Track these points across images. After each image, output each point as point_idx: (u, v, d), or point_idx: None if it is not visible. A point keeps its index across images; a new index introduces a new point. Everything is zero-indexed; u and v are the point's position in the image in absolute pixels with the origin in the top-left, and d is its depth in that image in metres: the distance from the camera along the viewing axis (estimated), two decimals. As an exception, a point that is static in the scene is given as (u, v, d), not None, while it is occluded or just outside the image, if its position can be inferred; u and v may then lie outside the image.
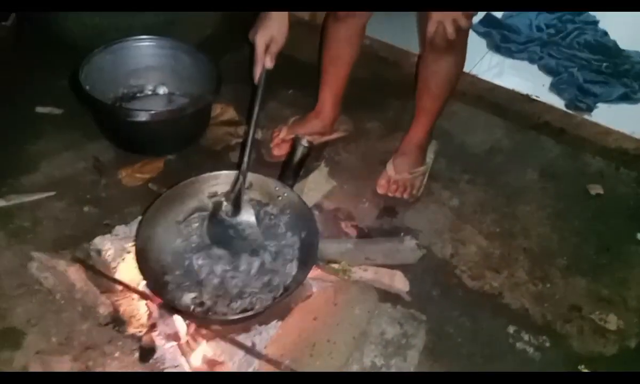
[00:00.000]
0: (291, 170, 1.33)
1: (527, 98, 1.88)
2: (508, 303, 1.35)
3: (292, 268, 1.24)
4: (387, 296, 1.31)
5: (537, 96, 1.87)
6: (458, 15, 1.25)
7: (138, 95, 1.82)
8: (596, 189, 1.62)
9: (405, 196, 1.57)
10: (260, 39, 1.25)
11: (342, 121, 1.76)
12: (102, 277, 1.24)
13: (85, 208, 1.48)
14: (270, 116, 1.80)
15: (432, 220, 1.53)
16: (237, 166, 1.32)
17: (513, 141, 1.78)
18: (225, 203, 1.30)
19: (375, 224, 1.52)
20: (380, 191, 1.58)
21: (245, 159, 1.27)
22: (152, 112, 1.54)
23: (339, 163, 1.68)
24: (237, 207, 1.29)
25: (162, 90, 1.84)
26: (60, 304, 1.20)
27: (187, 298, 1.19)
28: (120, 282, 1.23)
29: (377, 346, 1.18)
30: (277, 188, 1.34)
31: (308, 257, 1.22)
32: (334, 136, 1.74)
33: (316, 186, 1.56)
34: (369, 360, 1.15)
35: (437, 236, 1.49)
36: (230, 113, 1.83)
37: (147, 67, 1.80)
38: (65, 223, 1.42)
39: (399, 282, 1.36)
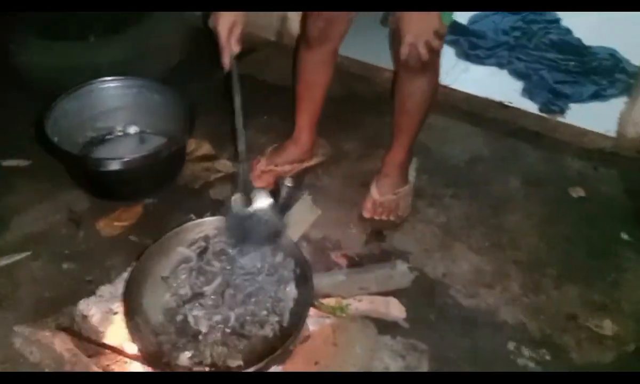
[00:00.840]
0: (277, 210, 1.30)
1: (500, 105, 1.89)
2: (505, 319, 1.35)
3: (287, 315, 1.21)
4: (386, 327, 1.29)
5: (510, 102, 1.88)
6: (430, 36, 1.24)
7: (107, 137, 1.76)
8: (578, 192, 1.64)
9: (392, 217, 1.56)
10: (223, 25, 1.23)
11: (320, 144, 1.74)
12: (90, 344, 1.18)
13: (64, 265, 1.42)
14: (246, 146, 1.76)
15: (420, 240, 1.52)
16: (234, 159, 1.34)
17: (491, 149, 1.79)
18: (235, 197, 1.29)
19: (365, 251, 1.50)
20: (366, 215, 1.57)
21: (242, 147, 1.28)
22: (126, 159, 1.49)
23: (322, 189, 1.65)
24: (248, 197, 1.28)
25: (132, 129, 1.79)
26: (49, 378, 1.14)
27: (184, 357, 1.14)
28: (110, 348, 1.18)
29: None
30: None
31: (301, 305, 1.19)
32: (314, 161, 1.72)
33: (301, 217, 1.53)
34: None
35: (427, 257, 1.48)
36: (206, 148, 1.79)
37: (115, 108, 1.75)
38: (44, 284, 1.36)
39: (395, 310, 1.35)
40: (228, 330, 1.18)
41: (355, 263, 1.46)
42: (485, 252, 1.49)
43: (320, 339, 1.20)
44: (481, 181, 1.68)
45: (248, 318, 1.20)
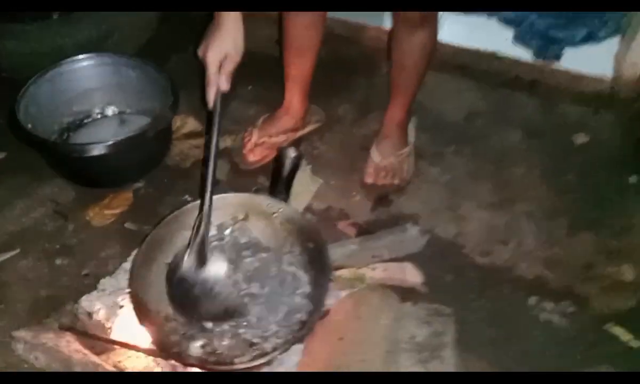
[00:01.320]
0: (282, 183, 1.23)
1: (493, 55, 1.84)
2: (522, 274, 1.32)
3: (305, 289, 1.15)
4: (406, 294, 1.24)
5: (502, 52, 1.82)
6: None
7: (85, 121, 1.65)
8: (580, 138, 1.61)
9: (396, 180, 1.50)
10: (212, 57, 1.08)
11: (312, 111, 1.66)
12: (98, 341, 1.10)
13: (57, 261, 1.32)
14: (234, 118, 1.67)
15: (427, 201, 1.48)
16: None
17: (487, 102, 1.74)
18: (187, 255, 1.12)
19: (372, 217, 1.44)
20: (368, 180, 1.51)
21: (207, 198, 1.09)
22: (111, 142, 1.38)
23: (319, 158, 1.58)
24: (201, 258, 1.13)
25: (110, 110, 1.68)
26: None
27: (195, 347, 1.08)
28: (120, 343, 1.10)
29: (411, 353, 1.11)
30: (269, 205, 1.23)
31: (321, 273, 1.13)
32: (307, 129, 1.64)
33: (303, 189, 1.46)
34: (407, 371, 1.09)
35: (437, 217, 1.44)
36: (191, 124, 1.69)
37: (90, 90, 1.63)
38: (38, 283, 1.27)
39: (411, 275, 1.30)
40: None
41: (365, 231, 1.40)
42: (494, 208, 1.45)
43: (341, 313, 1.15)
44: (481, 136, 1.64)
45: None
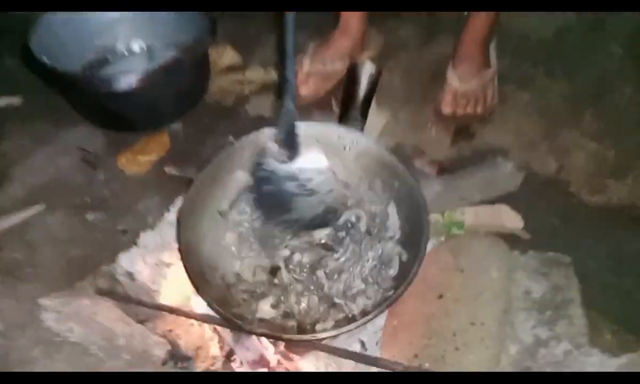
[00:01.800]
0: (357, 108, 1.00)
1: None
2: (645, 212, 1.08)
3: (396, 235, 0.93)
4: (509, 241, 1.02)
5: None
6: None
7: (109, 57, 1.43)
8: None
9: (479, 109, 1.27)
10: None
11: (370, 35, 1.41)
12: (144, 308, 0.91)
13: (88, 216, 1.13)
14: (280, 50, 1.43)
15: (519, 132, 1.23)
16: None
17: (580, 14, 1.46)
18: (271, 148, 0.93)
19: (453, 154, 1.21)
20: (446, 110, 1.27)
21: (290, 68, 0.87)
22: (142, 74, 1.16)
23: (383, 88, 1.32)
24: (292, 149, 0.92)
25: (137, 45, 1.45)
26: (100, 358, 0.87)
27: (265, 306, 0.87)
28: (170, 309, 0.91)
29: (529, 312, 0.90)
30: (340, 137, 1.00)
31: (414, 215, 0.90)
32: (366, 55, 1.40)
33: (368, 125, 1.23)
34: (530, 335, 0.88)
35: (532, 150, 1.20)
36: (230, 55, 1.46)
37: (114, 21, 1.40)
38: (69, 242, 1.08)
39: (510, 219, 1.08)
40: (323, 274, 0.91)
41: (447, 170, 1.18)
42: (602, 136, 1.21)
43: (438, 266, 0.93)
44: (576, 55, 1.37)
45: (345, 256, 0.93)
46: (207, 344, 0.90)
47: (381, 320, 0.91)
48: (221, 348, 0.89)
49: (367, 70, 1.00)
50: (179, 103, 1.32)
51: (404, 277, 0.83)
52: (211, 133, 1.29)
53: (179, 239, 0.89)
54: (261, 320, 0.84)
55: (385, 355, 0.87)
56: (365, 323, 0.81)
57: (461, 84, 1.25)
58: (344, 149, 1.00)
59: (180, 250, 0.87)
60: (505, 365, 0.83)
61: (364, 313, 0.82)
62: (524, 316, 0.89)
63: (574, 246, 1.02)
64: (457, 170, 1.17)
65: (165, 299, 0.94)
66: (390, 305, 0.81)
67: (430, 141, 1.24)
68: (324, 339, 0.82)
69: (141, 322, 0.90)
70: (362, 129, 1.01)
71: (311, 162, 0.96)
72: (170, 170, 1.18)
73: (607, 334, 0.88)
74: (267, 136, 0.96)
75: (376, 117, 1.27)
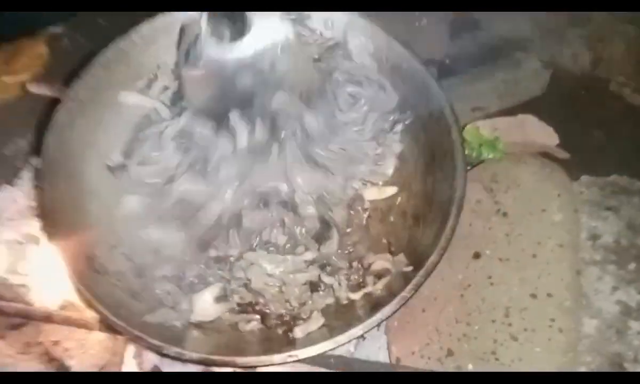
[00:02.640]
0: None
1: None
2: None
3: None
4: (550, 161, 0.72)
5: None
6: None
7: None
8: None
9: (483, -13, 0.93)
10: None
11: None
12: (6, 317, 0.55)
13: None
14: None
15: (540, 19, 0.92)
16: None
17: None
18: (207, 21, 0.57)
19: (454, 49, 0.89)
20: (440, -9, 0.93)
21: None
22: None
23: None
24: (238, 22, 0.58)
25: None
26: None
27: (206, 300, 0.54)
28: (47, 316, 0.56)
29: (604, 267, 0.60)
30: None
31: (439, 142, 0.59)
32: None
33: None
34: (611, 303, 0.58)
35: (558, 41, 0.89)
36: None
37: None
38: None
39: (540, 134, 0.78)
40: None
41: (448, 71, 0.85)
42: (644, 19, 0.91)
43: (469, 206, 0.62)
44: None
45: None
46: (117, 362, 0.55)
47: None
48: (140, 366, 0.55)
49: None
50: (59, -4, 0.91)
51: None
52: (109, 39, 0.89)
53: (39, 199, 0.53)
54: (198, 327, 0.51)
55: (397, 351, 0.56)
56: (374, 326, 0.50)
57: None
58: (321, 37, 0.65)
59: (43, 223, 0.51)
60: (584, 356, 0.54)
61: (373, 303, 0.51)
62: (596, 273, 0.60)
63: (635, 165, 0.74)
64: (462, 72, 0.85)
65: (38, 296, 0.58)
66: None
67: (422, 33, 0.91)
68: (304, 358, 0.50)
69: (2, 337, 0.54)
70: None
71: (271, 36, 0.59)
72: (33, 88, 0.79)
73: None
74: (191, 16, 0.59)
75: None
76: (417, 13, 0.94)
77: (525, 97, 0.83)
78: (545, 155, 0.76)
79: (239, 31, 0.56)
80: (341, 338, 0.49)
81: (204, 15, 0.56)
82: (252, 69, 0.57)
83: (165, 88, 0.66)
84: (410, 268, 0.54)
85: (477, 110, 0.81)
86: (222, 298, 0.54)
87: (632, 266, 0.61)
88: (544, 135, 0.80)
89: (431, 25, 0.93)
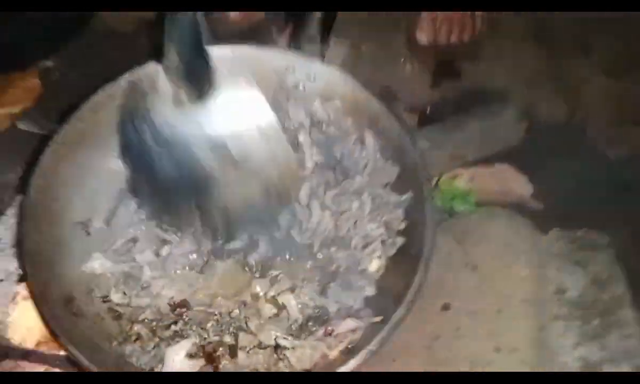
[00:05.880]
0: (314, 26, 0.68)
1: None
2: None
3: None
4: (521, 214, 0.75)
5: None
6: None
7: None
8: None
9: (465, 36, 0.97)
10: None
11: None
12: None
13: None
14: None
15: (518, 65, 0.95)
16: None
17: None
18: (163, 86, 0.56)
19: (435, 97, 0.92)
20: (424, 38, 0.97)
21: None
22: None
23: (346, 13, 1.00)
24: (200, 82, 0.56)
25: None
26: None
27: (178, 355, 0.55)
28: (25, 353, 0.57)
29: (568, 321, 0.63)
30: (290, 67, 0.67)
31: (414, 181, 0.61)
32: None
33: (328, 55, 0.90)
34: (575, 357, 0.60)
35: (535, 89, 0.92)
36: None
37: None
38: None
39: (515, 184, 0.81)
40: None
41: (429, 119, 0.88)
42: (618, 71, 0.94)
43: (439, 259, 0.63)
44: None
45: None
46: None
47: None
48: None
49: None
50: (54, 31, 0.93)
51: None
52: (99, 73, 0.91)
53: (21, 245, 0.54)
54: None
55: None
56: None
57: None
58: (298, 87, 0.67)
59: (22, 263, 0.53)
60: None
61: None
62: (562, 327, 0.62)
63: (605, 219, 0.77)
64: (443, 120, 0.88)
65: (16, 333, 0.59)
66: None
67: (405, 80, 0.94)
68: None
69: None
70: (323, 56, 0.68)
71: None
72: (23, 125, 0.81)
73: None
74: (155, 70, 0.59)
75: (334, 47, 0.94)
76: (402, 57, 0.98)
77: (502, 147, 0.86)
78: (519, 206, 0.79)
79: (202, 92, 0.55)
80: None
81: (161, 71, 0.54)
82: (217, 146, 0.56)
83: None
84: (379, 318, 0.56)
85: (456, 159, 0.83)
86: (194, 355, 0.55)
87: (596, 321, 0.63)
88: (519, 185, 0.82)
89: (415, 73, 0.96)
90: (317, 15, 0.70)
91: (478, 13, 0.97)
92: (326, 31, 0.71)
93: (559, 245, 0.70)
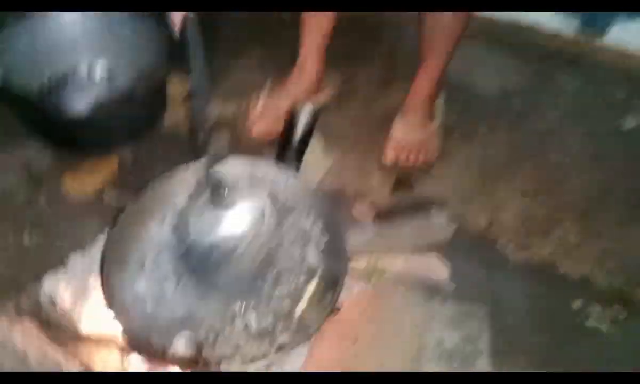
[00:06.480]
0: (294, 149, 1.04)
1: (531, 28, 1.63)
2: (565, 272, 1.13)
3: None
4: (430, 291, 1.06)
5: (542, 24, 1.62)
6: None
7: (70, 76, 1.45)
8: (630, 122, 1.41)
9: (420, 160, 1.31)
10: None
11: (327, 78, 1.46)
12: (62, 333, 0.92)
13: (26, 235, 1.14)
14: (234, 88, 1.47)
15: (457, 185, 1.28)
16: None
17: (525, 77, 1.54)
18: (189, 203, 0.93)
19: (391, 202, 1.26)
20: (388, 159, 1.31)
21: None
22: (97, 102, 1.19)
23: (333, 130, 1.38)
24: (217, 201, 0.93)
25: (98, 67, 1.48)
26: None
27: (180, 341, 0.89)
28: (89, 337, 0.92)
29: (439, 361, 0.93)
30: (276, 176, 1.04)
31: (335, 262, 0.94)
32: (322, 96, 1.45)
33: (314, 163, 1.27)
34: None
35: (467, 203, 1.25)
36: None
37: (76, 41, 1.43)
38: (2, 259, 1.09)
39: (437, 269, 1.12)
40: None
41: (383, 216, 1.22)
42: (533, 195, 1.26)
43: (355, 311, 0.97)
44: (517, 115, 1.44)
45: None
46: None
47: (300, 361, 0.93)
48: (138, 377, 0.90)
49: (305, 112, 1.04)
50: (131, 130, 1.34)
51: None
52: (162, 161, 1.31)
53: (102, 267, 0.91)
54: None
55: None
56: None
57: (404, 136, 1.30)
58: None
59: (101, 276, 0.89)
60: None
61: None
62: (433, 364, 0.92)
63: (494, 299, 1.07)
64: (392, 218, 1.21)
65: (86, 325, 0.95)
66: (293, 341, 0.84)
67: (372, 187, 1.28)
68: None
69: (58, 347, 0.91)
70: (297, 170, 1.04)
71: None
72: (108, 196, 1.20)
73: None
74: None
75: (323, 159, 1.32)
76: (371, 171, 1.32)
77: (432, 242, 1.17)
78: (434, 286, 1.09)
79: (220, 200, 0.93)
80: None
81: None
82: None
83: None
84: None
85: (394, 247, 1.15)
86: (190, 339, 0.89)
87: (456, 363, 0.92)
88: (440, 271, 1.13)
89: (380, 180, 1.30)
90: (295, 144, 1.05)
91: (432, 144, 1.33)
92: (299, 157, 1.06)
93: (449, 312, 1.01)
